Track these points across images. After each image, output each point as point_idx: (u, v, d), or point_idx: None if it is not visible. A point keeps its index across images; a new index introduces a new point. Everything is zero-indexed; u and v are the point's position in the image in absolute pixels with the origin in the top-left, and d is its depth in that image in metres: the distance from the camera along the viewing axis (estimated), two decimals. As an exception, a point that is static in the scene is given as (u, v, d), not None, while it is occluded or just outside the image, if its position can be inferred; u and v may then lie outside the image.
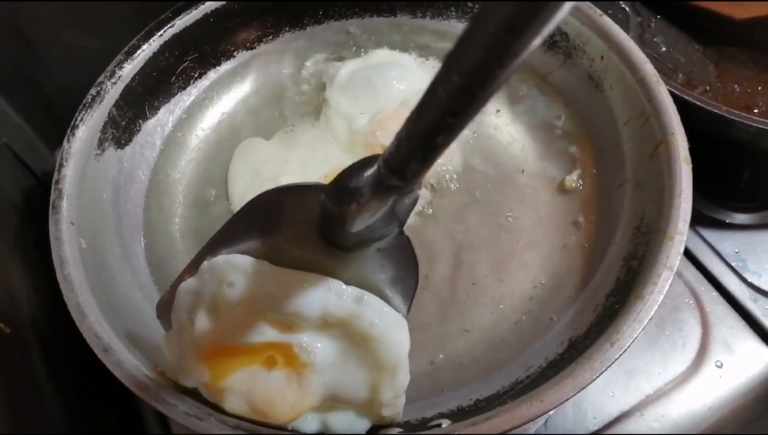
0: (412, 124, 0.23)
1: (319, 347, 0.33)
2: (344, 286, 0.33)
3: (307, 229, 0.32)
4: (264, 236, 0.34)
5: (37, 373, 0.46)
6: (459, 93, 0.20)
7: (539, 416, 0.36)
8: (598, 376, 0.36)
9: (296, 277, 0.33)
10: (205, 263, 0.34)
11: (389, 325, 0.34)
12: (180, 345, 0.35)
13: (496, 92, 0.20)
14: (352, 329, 0.33)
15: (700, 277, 0.54)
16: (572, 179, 0.51)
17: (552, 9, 0.17)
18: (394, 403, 0.35)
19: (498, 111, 0.56)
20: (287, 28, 0.61)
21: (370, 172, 0.26)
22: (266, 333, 0.32)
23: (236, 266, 0.33)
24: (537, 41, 0.18)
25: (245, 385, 0.33)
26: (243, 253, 0.34)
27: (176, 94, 0.57)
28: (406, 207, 0.30)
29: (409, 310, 0.36)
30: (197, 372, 0.34)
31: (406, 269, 0.34)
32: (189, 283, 0.35)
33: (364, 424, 0.37)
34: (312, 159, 0.53)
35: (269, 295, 0.32)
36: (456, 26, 0.60)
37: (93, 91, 0.50)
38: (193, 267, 0.35)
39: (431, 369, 0.44)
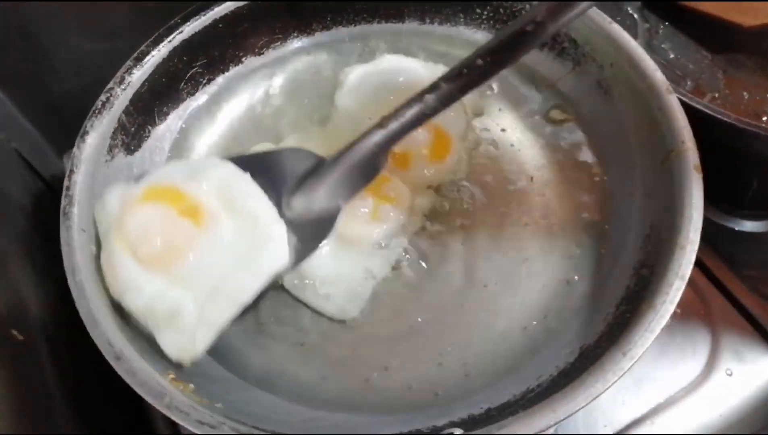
0: None
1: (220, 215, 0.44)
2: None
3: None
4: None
5: (46, 377, 0.46)
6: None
7: (551, 426, 0.36)
8: (610, 386, 0.36)
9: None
10: None
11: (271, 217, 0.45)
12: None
13: None
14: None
15: (710, 285, 0.54)
16: (581, 186, 0.51)
17: None
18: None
19: (502, 111, 0.56)
20: (295, 34, 0.61)
21: None
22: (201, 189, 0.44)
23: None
24: None
25: (155, 217, 0.43)
26: None
27: (185, 99, 0.57)
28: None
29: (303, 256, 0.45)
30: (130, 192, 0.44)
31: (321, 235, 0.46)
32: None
33: None
34: (321, 165, 0.53)
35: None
36: (464, 32, 0.60)
37: (103, 98, 0.50)
38: None
39: (439, 375, 0.44)
